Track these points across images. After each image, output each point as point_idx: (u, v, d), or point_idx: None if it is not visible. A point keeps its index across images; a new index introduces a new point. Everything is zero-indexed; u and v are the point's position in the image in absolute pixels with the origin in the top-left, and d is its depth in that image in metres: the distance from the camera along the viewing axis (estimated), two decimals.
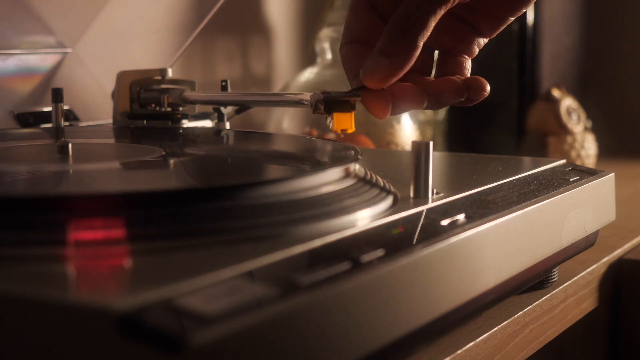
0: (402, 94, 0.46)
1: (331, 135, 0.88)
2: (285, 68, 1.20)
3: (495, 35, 0.50)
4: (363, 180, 0.47)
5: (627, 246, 0.71)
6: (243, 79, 1.14)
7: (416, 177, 0.47)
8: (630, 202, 0.90)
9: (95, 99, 0.82)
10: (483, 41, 0.50)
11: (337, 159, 0.51)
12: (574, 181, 0.56)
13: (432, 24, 0.44)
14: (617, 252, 0.69)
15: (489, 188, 0.52)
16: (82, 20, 0.81)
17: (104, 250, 0.34)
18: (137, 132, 0.68)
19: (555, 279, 0.58)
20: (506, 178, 0.54)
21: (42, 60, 0.80)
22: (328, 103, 0.46)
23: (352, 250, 0.37)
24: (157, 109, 0.69)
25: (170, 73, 0.71)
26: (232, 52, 1.12)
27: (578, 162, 1.03)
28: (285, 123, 0.99)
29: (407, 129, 0.96)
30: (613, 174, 0.61)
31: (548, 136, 1.05)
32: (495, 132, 1.13)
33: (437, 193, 0.48)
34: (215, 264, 0.33)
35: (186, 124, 0.69)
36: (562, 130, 1.05)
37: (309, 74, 1.01)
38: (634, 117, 1.32)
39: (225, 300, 0.30)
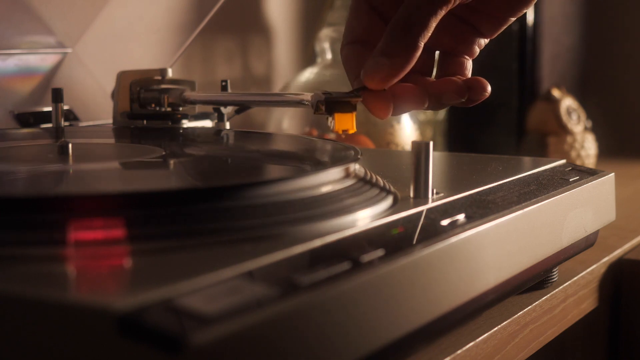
0: (403, 94, 0.46)
1: (331, 135, 0.89)
2: (285, 68, 1.20)
3: (496, 35, 0.50)
4: (363, 180, 0.47)
5: (627, 246, 0.71)
6: (243, 79, 1.14)
7: (416, 177, 0.47)
8: (630, 202, 0.90)
9: (95, 99, 0.82)
10: (484, 42, 0.50)
11: (337, 159, 0.51)
12: (574, 181, 0.56)
13: (433, 24, 0.44)
14: (617, 252, 0.69)
15: (489, 188, 0.52)
16: (82, 20, 0.81)
17: (104, 250, 0.34)
18: (137, 132, 0.68)
19: (555, 279, 0.58)
20: (506, 178, 0.54)
21: (42, 60, 0.80)
22: (329, 103, 0.46)
23: (352, 250, 0.37)
24: (157, 109, 0.69)
25: (170, 73, 0.71)
26: (232, 52, 1.12)
27: (578, 162, 1.03)
28: (285, 123, 0.99)
29: (407, 129, 0.96)
30: (613, 174, 0.61)
31: (548, 136, 1.05)
32: (495, 132, 1.13)
33: (437, 193, 0.48)
34: (215, 264, 0.33)
35: (186, 124, 0.69)
36: (562, 130, 1.05)
37: (309, 74, 1.01)
38: (634, 117, 1.32)
39: (225, 300, 0.30)
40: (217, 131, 0.68)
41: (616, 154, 1.22)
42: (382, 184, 0.48)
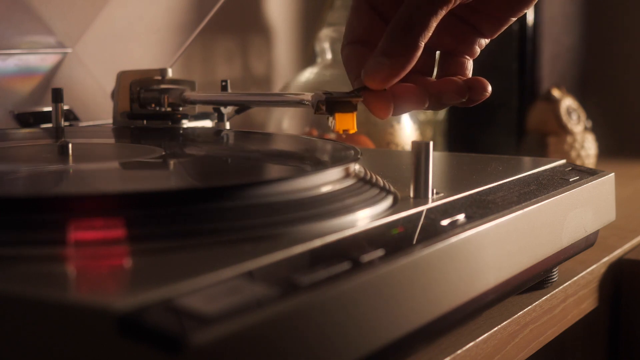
0: (403, 94, 0.46)
1: (331, 135, 0.89)
2: (285, 68, 1.20)
3: (496, 35, 0.50)
4: (363, 180, 0.47)
5: (627, 246, 0.71)
6: (243, 79, 1.14)
7: (416, 177, 0.47)
8: (630, 202, 0.90)
9: (95, 99, 0.82)
10: (484, 42, 0.50)
11: (337, 159, 0.51)
12: (574, 181, 0.56)
13: (434, 24, 0.44)
14: (617, 252, 0.69)
15: (489, 188, 0.52)
16: (82, 20, 0.81)
17: (104, 250, 0.34)
18: (137, 132, 0.68)
19: (555, 279, 0.58)
20: (506, 178, 0.54)
21: (42, 60, 0.80)
22: (330, 104, 0.46)
23: (352, 250, 0.37)
24: (157, 109, 0.69)
25: (170, 73, 0.71)
26: (232, 52, 1.12)
27: (578, 162, 1.03)
28: (285, 123, 0.99)
29: (407, 129, 0.96)
30: (613, 174, 0.61)
31: (548, 136, 1.05)
32: (495, 132, 1.13)
33: (437, 193, 0.48)
34: (215, 264, 0.33)
35: (186, 124, 0.69)
36: (562, 130, 1.05)
37: (309, 74, 1.01)
38: (634, 117, 1.32)
39: (225, 300, 0.30)
40: (217, 131, 0.68)
41: (616, 154, 1.22)
42: (382, 184, 0.48)
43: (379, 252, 0.37)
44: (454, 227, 0.43)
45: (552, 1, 1.15)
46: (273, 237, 0.38)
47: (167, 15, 0.82)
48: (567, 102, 1.06)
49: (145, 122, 0.69)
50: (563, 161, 0.63)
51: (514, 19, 0.49)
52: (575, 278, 0.61)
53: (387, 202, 0.45)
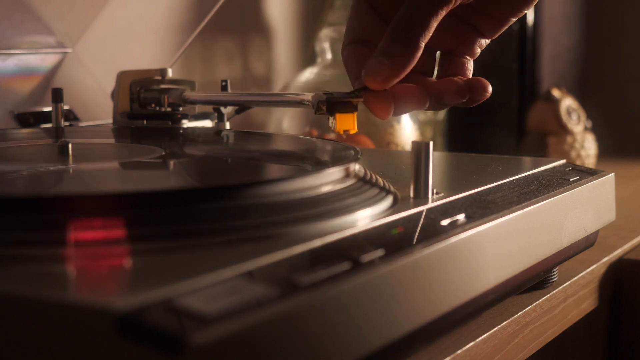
0: (404, 94, 0.46)
1: (331, 135, 0.89)
2: (285, 68, 1.20)
3: (497, 36, 0.50)
4: (363, 180, 0.47)
5: (627, 246, 0.71)
6: (243, 79, 1.14)
7: (416, 177, 0.47)
8: (630, 202, 0.90)
9: (95, 99, 0.82)
10: (485, 42, 0.50)
11: (337, 159, 0.51)
12: (574, 181, 0.56)
13: (434, 24, 0.44)
14: (617, 252, 0.69)
15: (489, 188, 0.52)
16: (82, 20, 0.81)
17: (104, 250, 0.34)
18: (137, 132, 0.68)
19: (555, 279, 0.58)
20: (506, 178, 0.54)
21: (42, 60, 0.80)
22: (330, 104, 0.46)
23: (352, 250, 0.37)
24: (157, 109, 0.69)
25: (170, 73, 0.71)
26: (232, 52, 1.12)
27: (578, 162, 1.03)
28: (285, 123, 0.99)
29: (407, 129, 0.96)
30: (613, 174, 0.61)
31: (548, 136, 1.05)
32: (495, 132, 1.13)
33: (437, 193, 0.48)
34: (215, 264, 0.33)
35: (186, 124, 0.69)
36: (562, 130, 1.05)
37: (309, 74, 1.01)
38: (634, 117, 1.32)
39: (225, 300, 0.30)
40: (217, 131, 0.68)
41: (616, 154, 1.22)
42: (382, 184, 0.48)
43: (379, 252, 0.37)
44: (454, 227, 0.43)
45: (552, 1, 1.15)
46: (273, 237, 0.38)
47: (167, 15, 0.82)
48: (567, 102, 1.06)
49: (145, 122, 0.69)
50: (563, 161, 0.63)
51: (514, 19, 0.49)
52: (575, 278, 0.61)
53: (387, 202, 0.45)
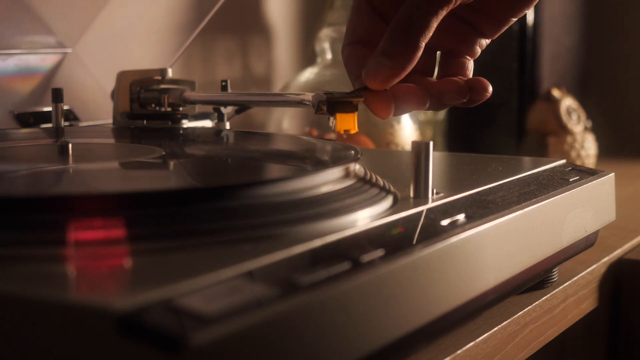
0: (404, 94, 0.46)
1: (331, 135, 0.89)
2: (285, 68, 1.20)
3: (497, 36, 0.50)
4: (363, 180, 0.47)
5: (627, 246, 0.71)
6: (243, 79, 1.14)
7: (416, 177, 0.47)
8: (630, 202, 0.90)
9: (95, 99, 0.82)
10: (485, 42, 0.50)
11: (337, 159, 0.51)
12: (574, 181, 0.56)
13: (434, 24, 0.44)
14: (617, 252, 0.69)
15: (489, 188, 0.52)
16: (82, 20, 0.81)
17: (104, 250, 0.34)
18: (137, 132, 0.68)
19: (555, 279, 0.58)
20: (506, 178, 0.54)
21: (42, 60, 0.80)
22: (331, 104, 0.46)
23: (352, 250, 0.37)
24: (157, 109, 0.69)
25: (170, 73, 0.71)
26: (232, 52, 1.12)
27: (578, 162, 1.03)
28: (285, 123, 0.99)
29: (407, 129, 0.96)
30: (613, 174, 0.61)
31: (548, 136, 1.05)
32: (495, 132, 1.13)
33: (437, 193, 0.48)
34: (215, 264, 0.33)
35: (186, 124, 0.69)
36: (562, 130, 1.05)
37: (309, 74, 1.01)
38: (634, 117, 1.32)
39: (225, 300, 0.30)
40: (217, 131, 0.68)
41: (616, 154, 1.22)
42: (382, 184, 0.48)
43: (379, 252, 0.37)
44: (454, 227, 0.43)
45: (552, 1, 1.15)
46: (273, 237, 0.38)
47: (167, 15, 0.82)
48: (567, 102, 1.06)
49: (145, 122, 0.69)
50: (563, 161, 0.63)
51: (514, 20, 0.49)
52: (575, 278, 0.61)
53: (387, 202, 0.45)
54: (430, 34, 0.44)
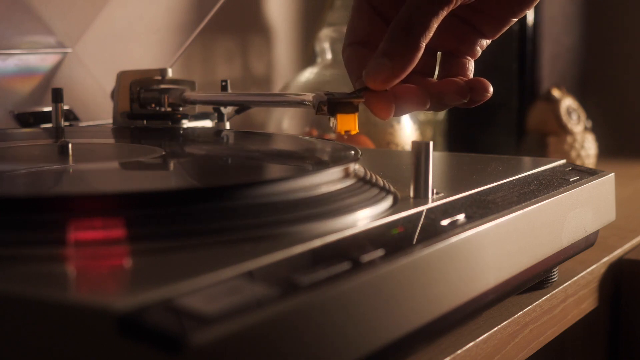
0: (404, 95, 0.46)
1: (331, 135, 0.89)
2: (285, 68, 1.20)
3: (498, 36, 0.50)
4: (363, 180, 0.47)
5: (627, 246, 0.71)
6: (243, 79, 1.14)
7: (416, 177, 0.47)
8: (630, 202, 0.90)
9: (95, 99, 0.82)
10: (486, 42, 0.50)
11: (337, 159, 0.51)
12: (574, 181, 0.56)
13: (435, 25, 0.44)
14: (617, 252, 0.69)
15: (489, 188, 0.52)
16: (82, 20, 0.81)
17: (104, 250, 0.34)
18: (137, 132, 0.68)
19: (555, 279, 0.58)
20: (506, 178, 0.54)
21: (42, 60, 0.80)
22: (332, 104, 0.46)
23: (352, 250, 0.37)
24: (157, 109, 0.69)
25: (170, 73, 0.70)
26: (232, 52, 1.12)
27: (578, 162, 1.03)
28: (285, 123, 0.99)
29: (407, 129, 0.96)
30: (613, 174, 0.61)
31: (548, 136, 1.05)
32: (495, 132, 1.13)
33: (437, 193, 0.48)
34: (215, 264, 0.33)
35: (186, 124, 0.69)
36: (562, 130, 1.05)
37: (309, 74, 1.01)
38: (634, 117, 1.32)
39: (225, 300, 0.30)
40: (217, 131, 0.68)
41: (616, 154, 1.22)
42: (382, 184, 0.48)
43: (379, 252, 0.37)
44: (454, 227, 0.43)
45: (552, 1, 1.15)
46: (273, 237, 0.38)
47: (167, 15, 0.82)
48: (567, 102, 1.06)
49: (145, 122, 0.69)
50: (563, 161, 0.63)
51: (515, 20, 0.49)
52: (575, 278, 0.61)
53: (387, 202, 0.45)
54: (431, 35, 0.44)
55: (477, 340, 0.47)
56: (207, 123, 0.71)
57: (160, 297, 0.30)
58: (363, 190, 0.45)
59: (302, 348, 0.32)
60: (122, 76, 0.69)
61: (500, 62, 1.11)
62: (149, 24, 0.82)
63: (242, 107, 0.68)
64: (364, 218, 0.42)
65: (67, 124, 0.74)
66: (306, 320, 0.32)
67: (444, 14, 0.44)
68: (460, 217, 0.45)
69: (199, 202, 0.39)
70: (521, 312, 0.52)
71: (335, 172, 0.46)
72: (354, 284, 0.34)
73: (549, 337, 0.56)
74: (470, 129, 1.13)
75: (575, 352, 0.67)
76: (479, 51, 0.50)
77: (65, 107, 0.77)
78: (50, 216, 0.36)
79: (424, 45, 0.44)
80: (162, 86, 0.69)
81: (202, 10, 0.80)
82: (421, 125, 1.02)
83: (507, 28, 0.49)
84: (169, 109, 0.68)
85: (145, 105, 0.69)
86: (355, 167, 0.49)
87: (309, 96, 0.51)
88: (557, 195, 0.52)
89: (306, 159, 0.57)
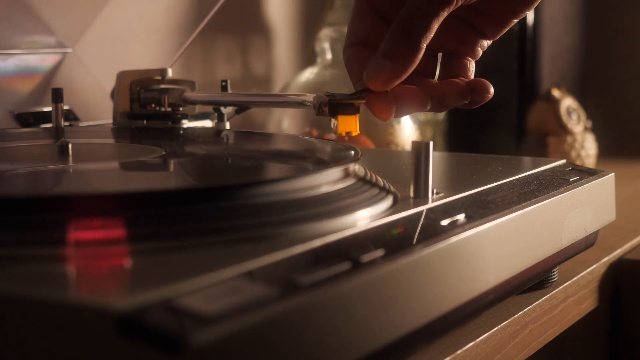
0: (405, 96, 0.46)
1: (331, 135, 0.89)
2: (285, 68, 1.20)
3: (498, 37, 0.50)
4: (363, 180, 0.47)
5: (627, 246, 0.71)
6: (243, 79, 1.14)
7: (416, 177, 0.47)
8: (630, 202, 0.90)
9: (95, 99, 0.82)
10: (486, 43, 0.50)
11: (337, 159, 0.51)
12: (574, 181, 0.56)
13: (435, 26, 0.44)
14: (617, 252, 0.69)
15: (489, 188, 0.52)
16: (82, 20, 0.81)
17: (104, 250, 0.34)
18: (137, 132, 0.68)
19: (555, 279, 0.58)
20: (506, 178, 0.54)
21: (42, 60, 0.80)
22: (333, 106, 0.46)
23: (352, 250, 0.37)
24: (157, 109, 0.69)
25: (170, 73, 0.71)
26: (232, 52, 1.12)
27: (578, 162, 1.03)
28: (285, 123, 0.99)
29: (407, 129, 0.96)
30: (613, 174, 0.61)
31: (548, 136, 1.05)
32: (495, 132, 1.13)
33: (437, 193, 0.48)
34: (215, 264, 0.33)
35: (186, 124, 0.69)
36: (562, 130, 1.05)
37: (309, 74, 1.01)
38: (634, 117, 1.32)
39: (225, 300, 0.30)
40: (217, 131, 0.68)
41: (616, 154, 1.22)
42: (382, 184, 0.48)
43: (379, 252, 0.37)
44: (454, 227, 0.43)
45: (552, 1, 1.15)
46: (273, 237, 0.38)
47: (167, 15, 0.82)
48: (567, 102, 1.06)
49: (145, 122, 0.69)
50: (563, 161, 0.63)
51: (515, 21, 0.49)
52: (575, 278, 0.61)
53: (387, 202, 0.45)
54: (432, 36, 0.44)
55: (477, 340, 0.47)
56: (207, 123, 0.71)
57: (160, 297, 0.30)
58: (363, 190, 0.45)
59: (302, 348, 0.32)
60: (122, 76, 0.69)
61: (500, 62, 1.11)
62: (149, 24, 0.82)
63: (242, 107, 0.68)
64: (364, 218, 0.42)
65: (67, 124, 0.74)
66: (306, 320, 0.32)
67: (444, 14, 0.44)
68: (460, 217, 0.45)
69: (199, 202, 0.39)
70: (521, 312, 0.52)
71: (335, 172, 0.46)
72: (354, 284, 0.34)
73: (549, 337, 0.56)
74: (470, 129, 1.13)
75: (575, 352, 0.67)
76: (480, 52, 0.50)
77: (65, 107, 0.77)
78: (50, 216, 0.36)
79: (424, 46, 0.44)
80: (162, 86, 0.69)
81: (202, 10, 0.80)
82: (421, 125, 1.02)
83: (507, 29, 0.49)
84: (169, 109, 0.68)
85: (145, 105, 0.69)
86: (355, 167, 0.49)
87: (309, 97, 0.51)
88: (557, 195, 0.52)
89: (306, 159, 0.57)
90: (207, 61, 1.08)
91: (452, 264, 0.41)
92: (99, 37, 0.82)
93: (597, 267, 0.65)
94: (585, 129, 1.07)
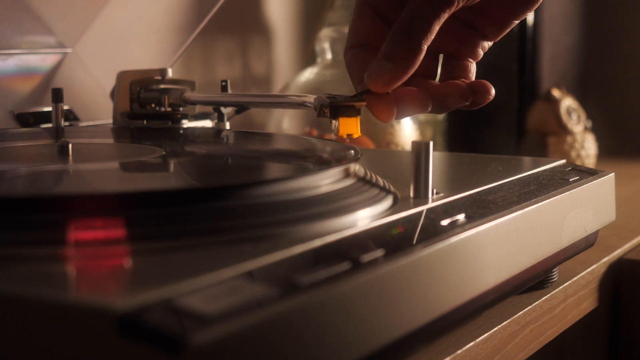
0: (406, 97, 0.46)
1: (332, 136, 0.89)
2: (285, 68, 1.20)
3: (499, 38, 0.50)
4: (363, 180, 0.47)
5: (627, 246, 0.71)
6: (243, 79, 1.14)
7: (416, 177, 0.47)
8: (630, 202, 0.90)
9: (95, 99, 0.82)
10: (487, 44, 0.50)
11: (337, 159, 0.51)
12: (574, 181, 0.56)
13: (436, 27, 0.44)
14: (617, 252, 0.69)
15: (489, 188, 0.52)
16: (82, 20, 0.81)
17: (104, 250, 0.34)
18: (137, 132, 0.68)
19: (555, 279, 0.58)
20: (506, 178, 0.54)
21: (42, 60, 0.80)
22: (334, 108, 0.46)
23: (352, 250, 0.37)
24: (157, 109, 0.69)
25: (170, 73, 0.70)
26: (232, 52, 1.12)
27: (578, 162, 1.03)
28: (285, 123, 0.99)
29: (407, 129, 0.96)
30: (613, 174, 0.61)
31: (548, 136, 1.05)
32: (495, 132, 1.13)
33: (437, 193, 0.48)
34: (215, 264, 0.33)
35: (186, 124, 0.69)
36: (562, 130, 1.05)
37: (309, 74, 1.01)
38: (634, 117, 1.32)
39: (225, 300, 0.30)
40: (217, 131, 0.68)
41: (616, 154, 1.22)
42: (382, 184, 0.48)
43: (379, 252, 0.37)
44: (454, 227, 0.43)
45: (552, 1, 1.15)
46: (273, 237, 0.38)
47: (167, 15, 0.82)
48: (567, 102, 1.06)
49: (145, 122, 0.69)
50: (563, 161, 0.63)
51: (516, 22, 0.48)
52: (575, 278, 0.61)
53: (387, 202, 0.45)
54: (432, 37, 0.44)
55: (477, 340, 0.47)
56: (207, 123, 0.71)
57: (160, 297, 0.30)
58: (363, 190, 0.45)
59: (302, 348, 0.32)
60: (122, 76, 0.69)
61: (500, 62, 1.11)
62: (149, 24, 0.82)
63: (242, 108, 0.68)
64: (364, 218, 0.42)
65: (67, 124, 0.74)
66: (306, 320, 0.32)
67: (445, 16, 0.44)
68: (460, 217, 0.45)
69: (199, 202, 0.39)
70: (521, 312, 0.52)
71: (335, 172, 0.46)
72: (354, 284, 0.34)
73: (549, 337, 0.56)
74: (470, 129, 1.13)
75: (575, 352, 0.67)
76: (481, 53, 0.50)
77: (65, 107, 0.77)
78: (50, 216, 0.36)
79: (425, 47, 0.44)
80: (162, 86, 0.69)
81: (202, 10, 0.80)
82: (421, 126, 1.02)
83: (508, 30, 0.49)
84: (169, 109, 0.68)
85: (145, 105, 0.69)
86: (355, 167, 0.49)
87: (310, 98, 0.51)
88: (557, 195, 0.52)
89: (306, 159, 0.57)
90: (207, 61, 1.08)
91: (452, 264, 0.41)
92: (99, 37, 0.82)
93: (597, 267, 0.65)
94: (585, 129, 1.07)
